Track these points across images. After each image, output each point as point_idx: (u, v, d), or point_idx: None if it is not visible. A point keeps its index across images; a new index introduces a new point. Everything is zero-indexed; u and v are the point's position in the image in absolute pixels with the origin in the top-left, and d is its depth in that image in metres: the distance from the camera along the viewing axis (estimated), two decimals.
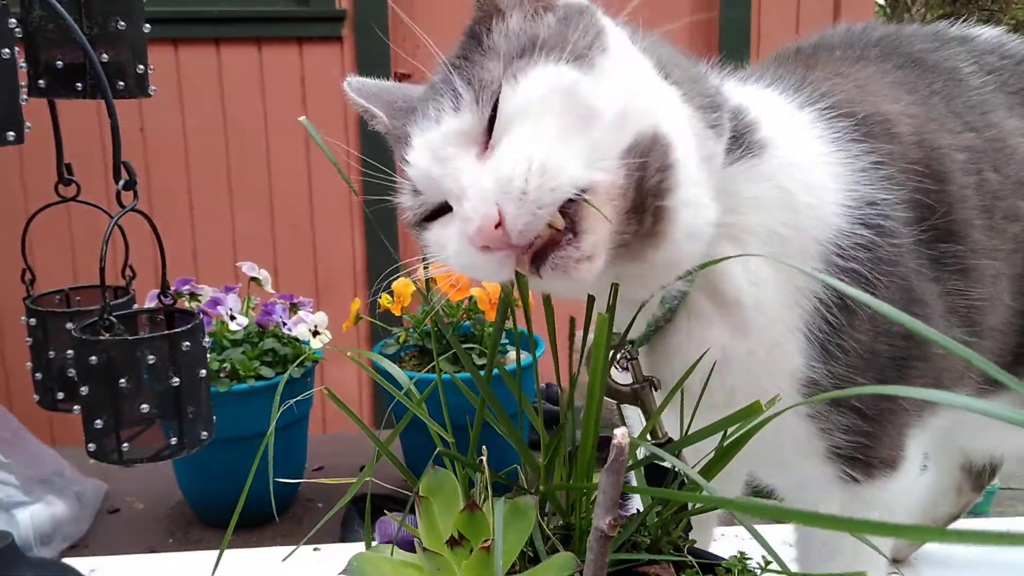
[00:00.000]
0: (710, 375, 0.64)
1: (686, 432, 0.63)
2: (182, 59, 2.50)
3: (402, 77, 2.39)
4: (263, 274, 1.40)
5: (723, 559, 0.63)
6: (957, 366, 0.76)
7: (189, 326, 0.88)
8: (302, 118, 0.70)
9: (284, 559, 0.81)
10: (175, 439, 0.96)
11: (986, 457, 0.99)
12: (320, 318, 1.34)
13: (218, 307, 1.28)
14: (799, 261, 0.66)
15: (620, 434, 0.51)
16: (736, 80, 0.74)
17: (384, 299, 1.39)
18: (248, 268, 1.39)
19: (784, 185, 0.67)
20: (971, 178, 0.77)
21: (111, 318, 0.82)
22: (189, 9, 2.47)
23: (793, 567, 0.59)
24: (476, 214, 0.55)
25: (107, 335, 0.82)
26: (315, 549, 1.15)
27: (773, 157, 0.67)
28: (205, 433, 1.00)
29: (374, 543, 1.14)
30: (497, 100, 0.58)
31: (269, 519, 1.32)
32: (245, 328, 1.31)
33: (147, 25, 0.83)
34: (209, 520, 1.41)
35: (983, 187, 0.77)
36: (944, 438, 0.84)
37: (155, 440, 0.98)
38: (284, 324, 1.32)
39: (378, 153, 0.70)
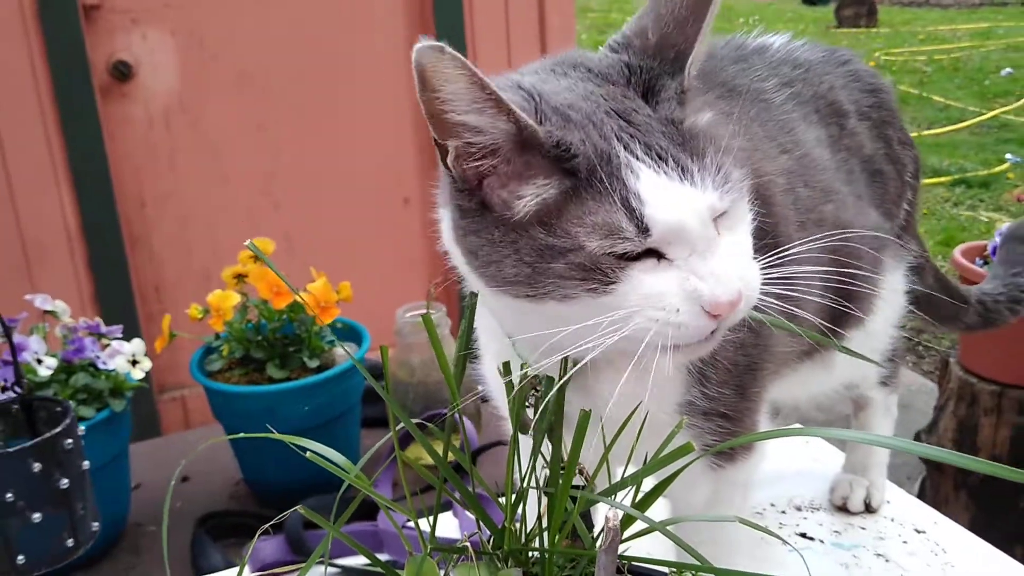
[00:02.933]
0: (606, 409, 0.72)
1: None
2: None
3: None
4: (59, 305, 1.28)
5: (661, 573, 0.73)
6: (788, 349, 0.92)
7: (68, 421, 0.81)
8: None
9: None
10: (71, 541, 0.89)
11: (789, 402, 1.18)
12: (137, 346, 1.26)
13: (23, 353, 1.16)
14: None
15: (612, 516, 0.58)
16: None
17: (193, 310, 1.33)
18: (42, 301, 1.26)
19: None
20: (789, 197, 0.89)
21: None
22: None
23: None
24: (728, 294, 0.64)
25: None
26: None
27: None
28: (96, 524, 0.94)
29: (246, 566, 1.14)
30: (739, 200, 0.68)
31: (105, 554, 1.26)
32: (53, 370, 1.20)
33: None
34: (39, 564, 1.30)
35: (798, 204, 0.90)
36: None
37: (50, 545, 0.90)
38: (98, 358, 1.23)
39: None
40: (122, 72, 2.25)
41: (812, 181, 0.92)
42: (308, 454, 0.67)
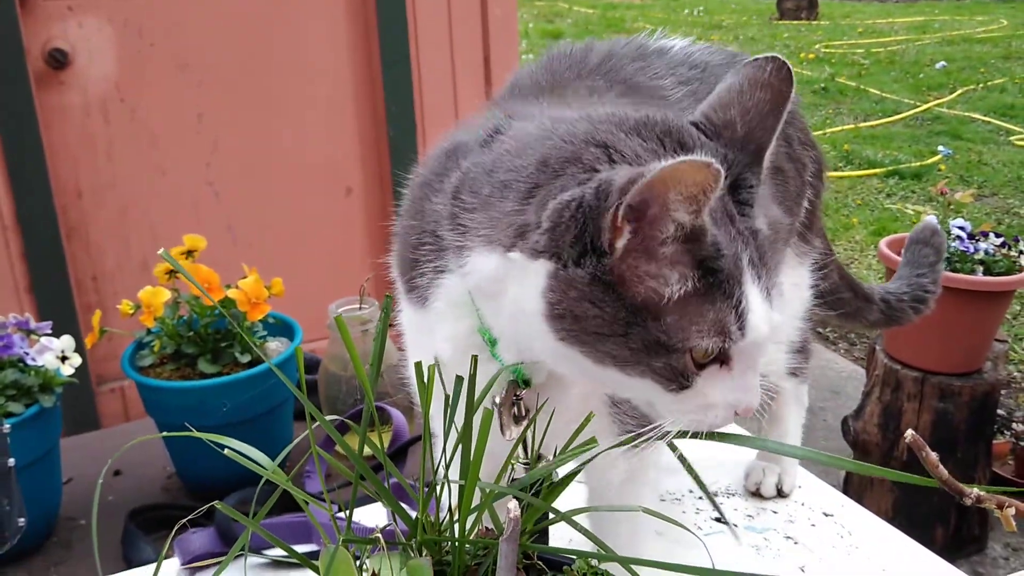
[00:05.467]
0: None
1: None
2: None
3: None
4: None
5: (572, 560, 0.78)
6: None
7: None
8: None
9: None
10: None
11: None
12: (67, 343, 1.27)
13: None
14: None
15: (513, 507, 0.63)
16: None
17: (124, 306, 1.34)
18: None
19: None
20: None
21: None
22: None
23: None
24: (756, 396, 0.72)
25: None
26: None
27: None
28: (22, 520, 0.94)
29: (175, 557, 1.16)
30: None
31: (35, 548, 1.27)
32: None
33: None
34: None
35: None
36: None
37: None
38: (27, 354, 1.24)
39: None
40: (58, 60, 2.23)
41: None
42: (226, 451, 0.69)
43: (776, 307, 0.71)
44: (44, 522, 1.32)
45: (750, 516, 1.26)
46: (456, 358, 0.79)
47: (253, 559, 1.11)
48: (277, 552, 1.12)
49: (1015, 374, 3.65)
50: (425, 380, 0.76)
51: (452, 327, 0.81)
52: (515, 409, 0.82)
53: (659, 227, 0.65)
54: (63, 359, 1.27)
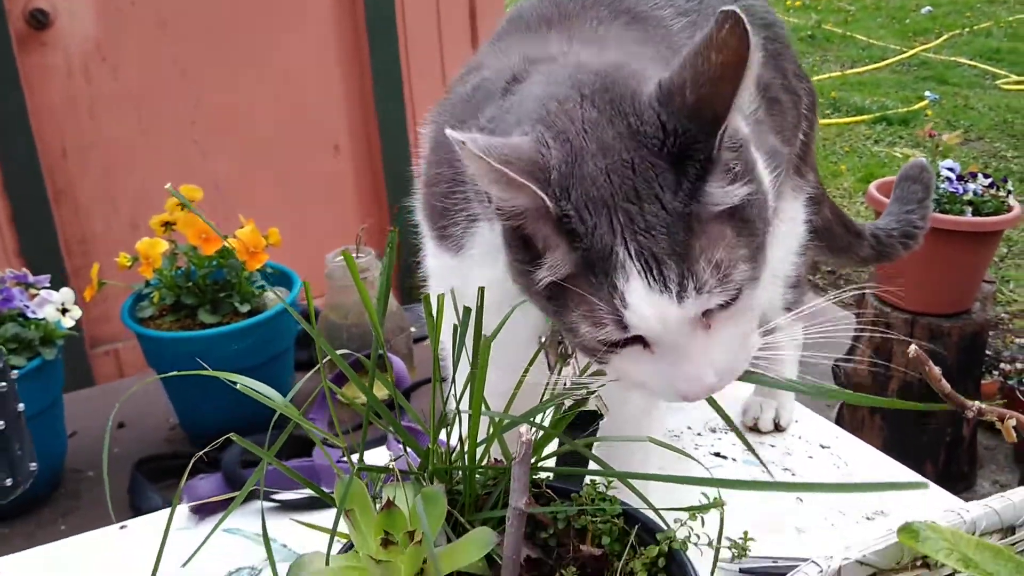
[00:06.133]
0: None
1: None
2: None
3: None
4: None
5: (580, 489, 0.79)
6: None
7: (0, 364, 0.83)
8: None
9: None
10: (9, 480, 0.91)
11: None
12: (66, 295, 1.27)
13: None
14: None
15: (525, 430, 0.64)
16: None
17: (122, 259, 1.34)
18: None
19: None
20: None
21: None
22: None
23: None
24: (700, 384, 0.70)
25: None
26: (122, 528, 1.14)
27: None
28: (33, 465, 0.95)
29: (183, 503, 1.18)
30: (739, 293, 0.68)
31: (44, 500, 1.28)
32: None
33: None
34: None
35: None
36: None
37: None
38: (27, 308, 1.24)
39: None
40: (39, 20, 2.20)
41: None
42: (239, 386, 0.70)
43: (707, 292, 0.66)
44: (51, 474, 1.33)
45: (748, 450, 1.28)
46: (495, 300, 0.79)
47: (259, 504, 1.12)
48: (285, 495, 1.14)
49: (1002, 315, 3.69)
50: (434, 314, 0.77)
51: (491, 272, 0.81)
52: (561, 347, 0.82)
53: (495, 199, 0.68)
54: (63, 311, 1.27)
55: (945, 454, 2.82)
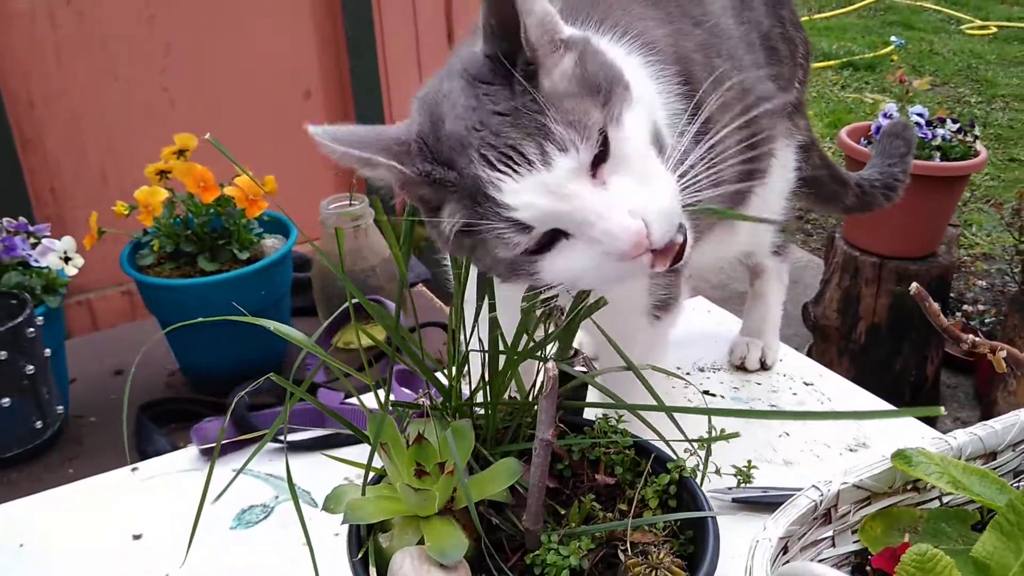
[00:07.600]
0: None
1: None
2: None
3: None
4: None
5: (592, 421, 0.83)
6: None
7: (28, 311, 0.84)
8: None
9: None
10: (39, 422, 0.92)
11: None
12: (68, 243, 1.27)
13: None
14: None
15: (551, 366, 0.68)
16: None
17: (119, 207, 1.34)
18: None
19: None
20: (706, 72, 0.94)
21: None
22: None
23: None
24: (625, 231, 0.67)
25: None
26: (133, 470, 1.17)
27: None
28: (60, 407, 0.96)
29: (191, 446, 1.21)
30: (605, 138, 0.68)
31: (48, 446, 1.30)
32: None
33: None
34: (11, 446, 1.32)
35: (717, 78, 0.95)
36: None
37: (20, 428, 0.92)
38: (30, 256, 1.24)
39: None
40: None
41: (724, 51, 0.99)
42: (273, 327, 0.73)
43: (569, 149, 0.67)
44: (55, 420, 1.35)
45: (736, 388, 1.33)
46: None
47: (269, 446, 1.16)
48: (294, 436, 1.17)
49: (965, 258, 3.79)
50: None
51: None
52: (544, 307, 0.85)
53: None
54: (66, 260, 1.27)
55: (910, 393, 2.92)
